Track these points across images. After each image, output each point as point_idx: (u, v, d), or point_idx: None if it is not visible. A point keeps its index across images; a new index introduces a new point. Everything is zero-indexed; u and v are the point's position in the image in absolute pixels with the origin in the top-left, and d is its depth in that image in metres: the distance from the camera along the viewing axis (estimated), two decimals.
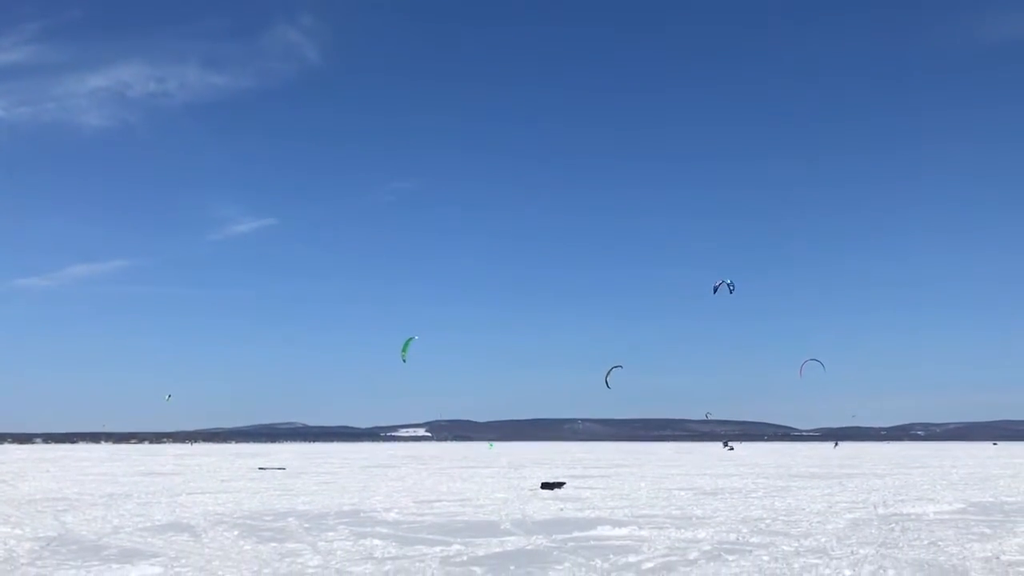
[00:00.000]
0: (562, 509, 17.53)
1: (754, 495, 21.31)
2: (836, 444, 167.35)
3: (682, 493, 22.12)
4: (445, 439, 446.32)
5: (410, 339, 35.28)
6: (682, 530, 13.63)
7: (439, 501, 19.66)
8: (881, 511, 16.78)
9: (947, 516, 15.77)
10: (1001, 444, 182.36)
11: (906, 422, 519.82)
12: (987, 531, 13.31)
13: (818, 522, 14.80)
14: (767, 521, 15.11)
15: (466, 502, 19.36)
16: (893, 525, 14.27)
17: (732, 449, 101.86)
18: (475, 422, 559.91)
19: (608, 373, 46.86)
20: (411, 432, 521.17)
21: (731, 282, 35.32)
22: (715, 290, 35.02)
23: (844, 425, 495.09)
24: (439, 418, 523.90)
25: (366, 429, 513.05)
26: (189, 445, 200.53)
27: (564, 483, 24.86)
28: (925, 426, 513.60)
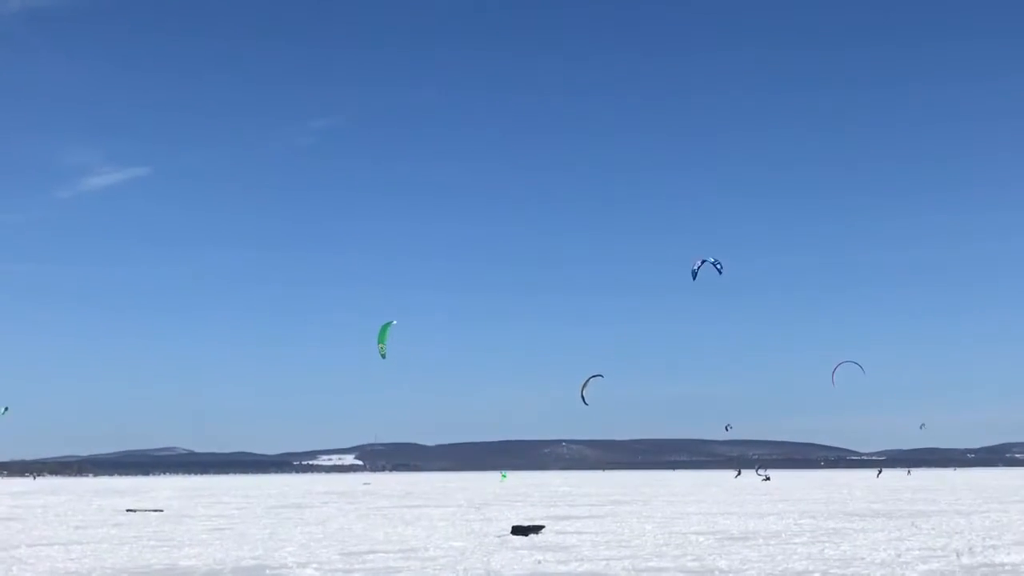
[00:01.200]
0: (540, 562, 17.64)
1: (797, 541, 21.61)
2: (908, 471, 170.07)
3: (701, 539, 22.37)
4: (382, 469, 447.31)
5: (387, 325, 35.43)
6: None
7: (373, 553, 19.70)
8: (966, 561, 17.09)
9: None
10: None
11: (1000, 442, 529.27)
12: None
13: None
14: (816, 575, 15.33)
15: (410, 554, 19.42)
16: None
17: (767, 479, 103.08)
18: (423, 446, 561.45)
19: (584, 385, 47.34)
20: (336, 460, 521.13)
21: (716, 260, 35.72)
22: (695, 275, 35.48)
23: (917, 446, 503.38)
24: (374, 441, 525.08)
25: (274, 457, 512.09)
26: (31, 479, 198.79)
27: (543, 527, 25.00)
28: None
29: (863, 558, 17.68)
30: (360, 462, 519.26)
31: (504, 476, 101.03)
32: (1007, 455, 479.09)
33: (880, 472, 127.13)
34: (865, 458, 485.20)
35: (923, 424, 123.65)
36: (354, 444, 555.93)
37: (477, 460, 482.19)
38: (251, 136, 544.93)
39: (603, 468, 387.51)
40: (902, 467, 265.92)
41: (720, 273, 35.93)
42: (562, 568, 16.79)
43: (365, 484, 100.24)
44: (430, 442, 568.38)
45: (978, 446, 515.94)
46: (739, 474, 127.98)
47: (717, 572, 15.94)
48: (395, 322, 35.70)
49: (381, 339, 35.30)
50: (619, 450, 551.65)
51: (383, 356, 35.12)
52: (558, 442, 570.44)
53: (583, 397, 47.53)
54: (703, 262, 35.79)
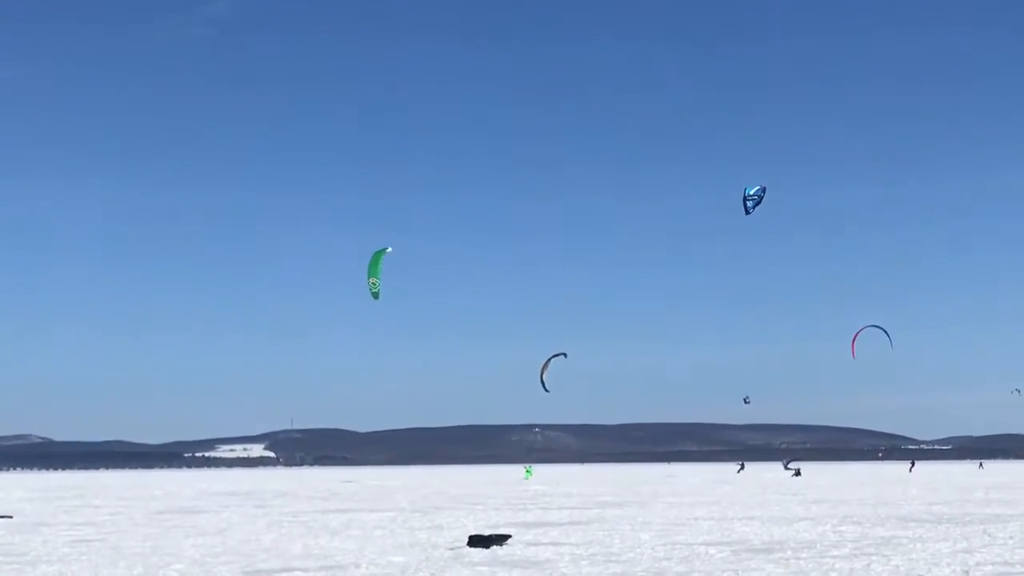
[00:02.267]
0: None
1: (836, 553, 21.81)
2: (980, 464, 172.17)
3: (712, 551, 22.55)
4: (300, 463, 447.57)
5: (379, 253, 34.78)
6: None
7: (288, 572, 19.70)
8: None
9: None
10: None
11: None
12: None
13: None
14: None
15: (336, 573, 19.44)
16: None
17: (798, 474, 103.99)
18: (353, 433, 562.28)
19: (544, 367, 47.49)
20: (239, 451, 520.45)
21: (759, 191, 35.80)
22: (748, 209, 35.54)
23: (992, 432, 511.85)
24: (289, 427, 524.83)
25: (159, 447, 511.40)
26: None
27: (509, 536, 25.04)
28: None
29: (921, 575, 17.87)
30: (271, 453, 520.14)
31: (529, 472, 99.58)
32: None
33: (913, 466, 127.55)
34: (925, 447, 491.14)
35: (1018, 389, 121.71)
36: (264, 431, 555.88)
37: (423, 451, 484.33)
38: (118, 26, 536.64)
39: (587, 460, 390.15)
40: (972, 459, 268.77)
41: (753, 206, 35.85)
42: None
43: (346, 482, 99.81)
44: (363, 428, 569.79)
45: None
46: (742, 468, 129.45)
47: None
48: (390, 249, 34.93)
49: (373, 271, 34.43)
50: (607, 437, 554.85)
51: (375, 295, 34.54)
52: (529, 427, 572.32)
53: (543, 382, 47.76)
54: (757, 193, 35.67)
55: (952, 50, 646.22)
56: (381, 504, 48.48)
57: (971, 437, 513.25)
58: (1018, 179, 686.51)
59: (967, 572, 18.17)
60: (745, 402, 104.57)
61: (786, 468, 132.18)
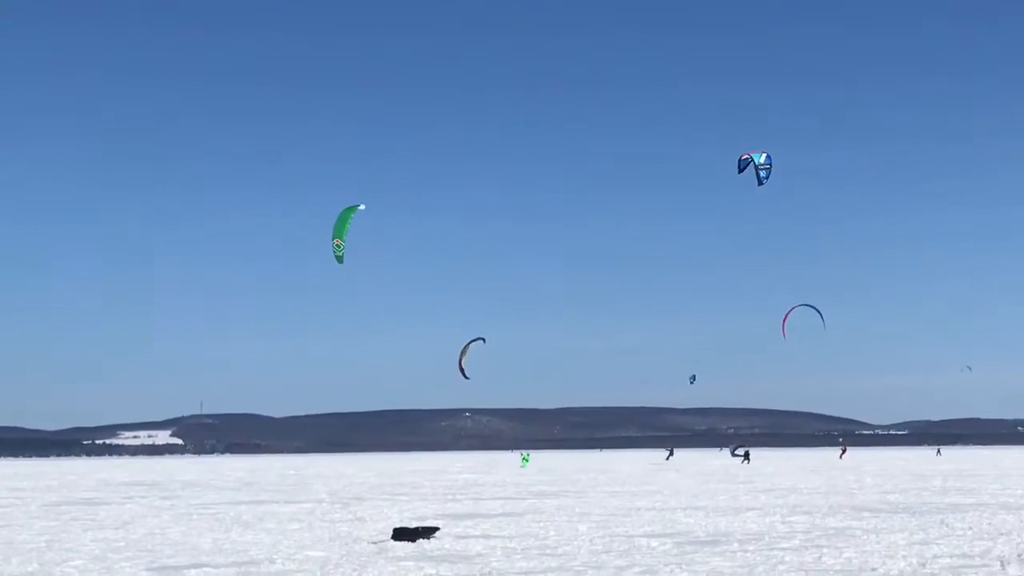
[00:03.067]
0: None
1: (785, 545, 22.02)
2: (938, 451, 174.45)
3: (654, 543, 22.69)
4: (210, 451, 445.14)
5: (349, 211, 33.91)
6: None
7: (197, 568, 19.61)
8: (1014, 572, 17.57)
9: None
10: None
11: None
12: None
13: None
14: None
15: (249, 569, 19.40)
16: None
17: (747, 458, 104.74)
18: (269, 419, 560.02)
19: (463, 352, 47.62)
20: (143, 438, 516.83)
21: (765, 162, 35.96)
22: (762, 180, 35.74)
23: (951, 416, 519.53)
24: (198, 412, 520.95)
25: (56, 434, 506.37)
26: None
27: (437, 528, 25.03)
28: None
29: (874, 568, 18.07)
30: (178, 440, 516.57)
31: (526, 459, 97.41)
32: None
33: (844, 452, 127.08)
34: (880, 432, 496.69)
35: (969, 367, 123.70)
36: (170, 416, 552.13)
37: (344, 438, 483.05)
38: None
39: (525, 446, 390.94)
40: (930, 445, 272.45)
41: (761, 182, 36.03)
42: None
43: (260, 471, 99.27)
44: (278, 413, 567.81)
45: None
46: (671, 455, 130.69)
47: None
48: (362, 207, 34.13)
49: (338, 231, 33.68)
50: (543, 423, 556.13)
51: (339, 258, 33.90)
52: (460, 412, 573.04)
53: (462, 369, 47.89)
54: (760, 161, 35.75)
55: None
56: (298, 495, 48.34)
57: (928, 422, 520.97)
58: (971, 154, 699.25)
59: (924, 565, 18.41)
60: (691, 382, 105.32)
61: (733, 454, 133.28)
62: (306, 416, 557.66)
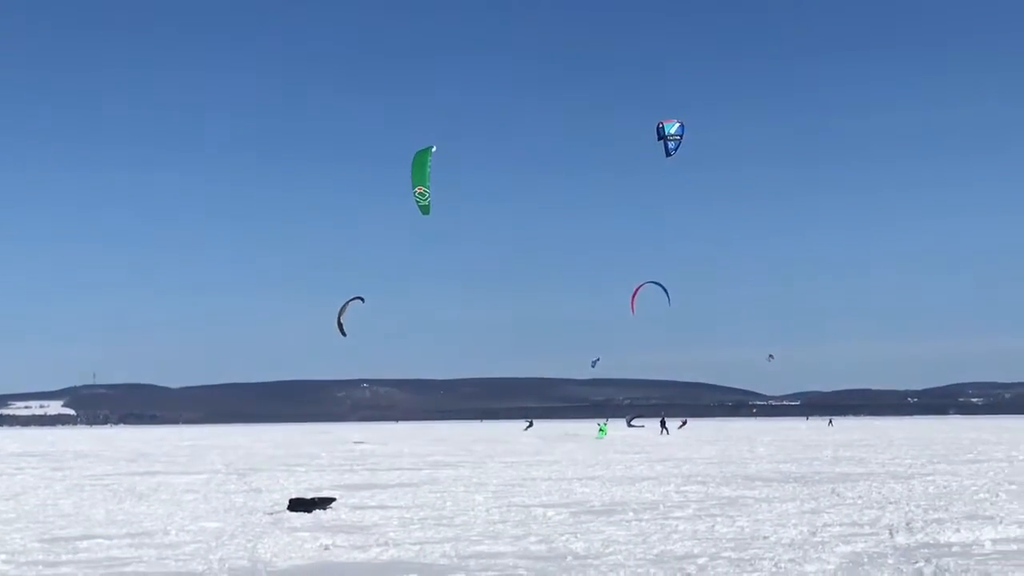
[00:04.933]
0: (327, 548, 17.78)
1: (679, 514, 22.28)
2: (830, 421, 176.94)
3: (550, 513, 22.85)
4: (104, 421, 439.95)
5: (425, 153, 31.08)
6: None
7: (89, 539, 19.41)
8: (901, 540, 17.94)
9: (1015, 547, 17.07)
10: None
11: (950, 382, 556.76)
12: None
13: (790, 561, 15.65)
14: (701, 561, 15.83)
15: (143, 540, 19.25)
16: (921, 564, 15.29)
17: (639, 427, 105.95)
18: (163, 389, 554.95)
19: (342, 311, 47.71)
20: (35, 409, 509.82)
21: (676, 132, 35.74)
22: (670, 151, 35.44)
23: (843, 387, 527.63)
24: (92, 383, 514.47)
25: None
26: None
27: (333, 499, 25.05)
28: (984, 389, 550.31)
29: (766, 537, 18.35)
30: (71, 411, 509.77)
31: (603, 429, 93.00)
32: (959, 399, 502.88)
33: (684, 424, 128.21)
34: (774, 403, 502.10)
35: (771, 355, 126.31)
36: (63, 386, 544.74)
37: (240, 409, 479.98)
38: None
39: (423, 418, 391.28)
40: (822, 415, 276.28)
41: (669, 153, 35.73)
42: (358, 555, 16.89)
43: (156, 442, 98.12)
44: (174, 383, 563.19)
45: (922, 388, 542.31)
46: (530, 425, 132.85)
47: (570, 557, 16.30)
48: (435, 148, 31.55)
49: (420, 178, 31.00)
50: (441, 393, 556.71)
51: (425, 208, 31.29)
52: (357, 383, 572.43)
53: (340, 326, 47.92)
54: (673, 133, 35.40)
55: None
56: (193, 466, 47.99)
57: (821, 393, 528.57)
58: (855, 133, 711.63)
59: (814, 533, 18.72)
60: (592, 366, 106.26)
61: (630, 425, 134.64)
62: (202, 387, 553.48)
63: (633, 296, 53.57)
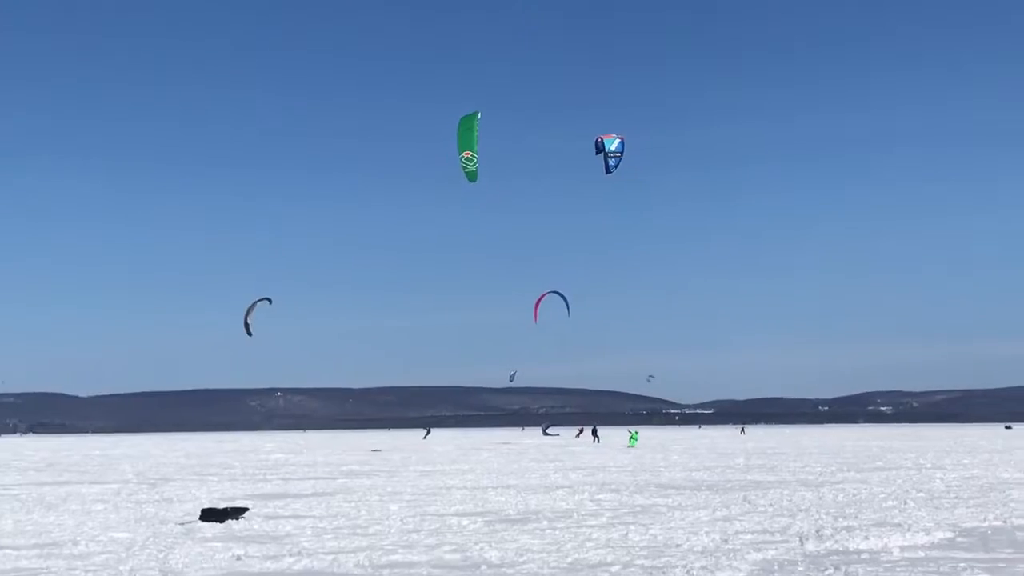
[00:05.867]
0: (239, 558, 17.71)
1: (593, 523, 22.38)
2: (742, 429, 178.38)
3: (465, 522, 22.87)
4: (12, 430, 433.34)
5: (472, 118, 29.66)
6: None
7: None
8: (811, 547, 18.16)
9: (922, 554, 17.35)
10: (1019, 427, 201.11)
11: (861, 391, 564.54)
12: None
13: (702, 568, 15.78)
14: (615, 568, 15.92)
15: (52, 551, 19.02)
16: (830, 572, 15.50)
17: (555, 435, 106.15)
18: (75, 398, 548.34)
19: (249, 310, 47.65)
20: None
21: (616, 149, 35.59)
22: (610, 168, 35.33)
23: (755, 396, 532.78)
24: (0, 391, 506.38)
25: None
26: None
27: (246, 509, 24.90)
28: (893, 398, 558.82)
29: (679, 545, 18.50)
30: None
31: (634, 438, 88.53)
32: (869, 408, 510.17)
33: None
34: (687, 411, 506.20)
35: (651, 376, 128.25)
36: None
37: (152, 417, 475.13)
38: None
39: (338, 427, 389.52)
40: (735, 423, 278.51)
41: (610, 170, 35.54)
42: (270, 565, 16.81)
43: (65, 451, 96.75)
44: (84, 392, 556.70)
45: (832, 396, 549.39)
46: (428, 434, 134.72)
47: (484, 566, 16.34)
48: (480, 114, 30.40)
49: (468, 143, 29.38)
50: (357, 402, 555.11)
51: (471, 174, 29.88)
52: (271, 392, 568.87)
53: (247, 326, 47.79)
54: (614, 148, 35.12)
55: None
56: (104, 475, 47.48)
57: (734, 401, 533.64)
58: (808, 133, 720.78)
59: (726, 540, 18.89)
60: (510, 380, 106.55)
61: (546, 433, 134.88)
62: (113, 395, 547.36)
63: (536, 305, 53.92)
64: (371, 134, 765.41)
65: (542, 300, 53.80)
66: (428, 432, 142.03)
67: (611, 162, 34.94)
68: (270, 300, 48.38)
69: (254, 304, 47.80)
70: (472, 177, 30.09)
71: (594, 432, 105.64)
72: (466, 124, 29.92)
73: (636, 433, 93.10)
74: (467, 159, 29.83)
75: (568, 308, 53.88)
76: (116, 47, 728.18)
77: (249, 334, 47.91)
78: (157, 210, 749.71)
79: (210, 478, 43.25)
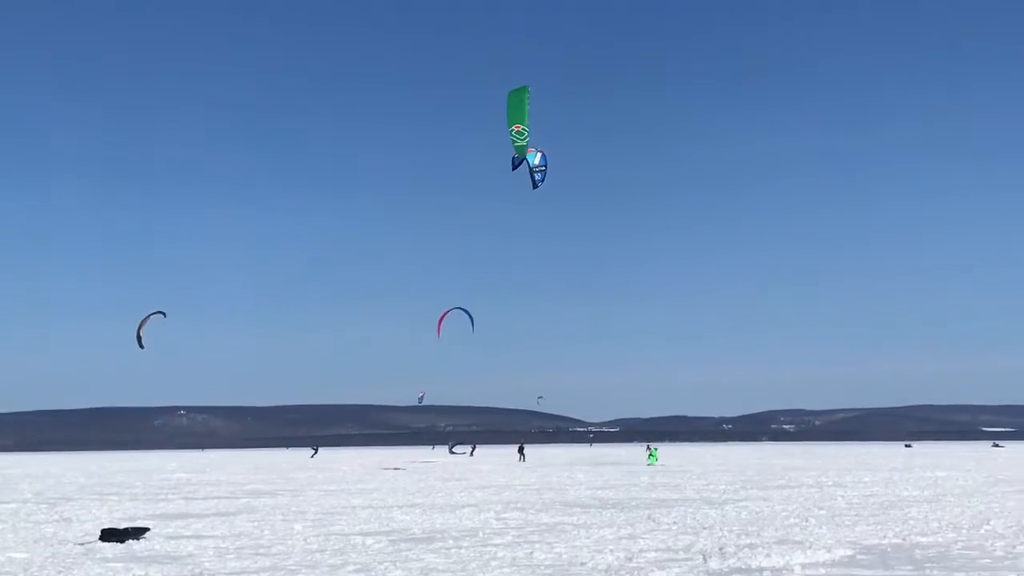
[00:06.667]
0: None
1: (498, 541, 22.40)
2: (647, 447, 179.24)
3: (369, 541, 22.78)
4: None
5: (523, 91, 28.38)
6: None
7: None
8: (714, 565, 18.30)
9: (823, 571, 17.54)
10: (918, 444, 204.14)
11: (764, 409, 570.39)
12: None
13: None
14: None
15: None
16: None
17: (461, 453, 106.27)
18: None
19: (142, 324, 47.47)
20: None
21: (540, 163, 35.41)
22: (536, 183, 35.19)
23: (660, 414, 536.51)
24: None
25: None
26: None
27: (147, 529, 24.69)
28: (796, 416, 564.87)
29: (583, 563, 18.56)
30: None
31: (654, 456, 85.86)
32: (772, 426, 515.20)
33: (473, 450, 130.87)
34: (593, 429, 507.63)
35: (541, 397, 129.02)
36: None
37: (52, 436, 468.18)
38: None
39: (243, 446, 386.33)
40: (640, 441, 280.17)
41: (536, 184, 35.41)
42: None
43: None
44: None
45: (737, 415, 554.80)
46: (316, 452, 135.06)
47: None
48: (530, 89, 29.34)
49: (519, 116, 28.84)
50: (262, 421, 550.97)
51: (521, 149, 28.71)
52: (174, 410, 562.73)
53: (139, 339, 47.56)
54: (535, 161, 34.90)
55: None
56: (2, 495, 46.74)
57: (639, 419, 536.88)
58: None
59: (630, 559, 18.99)
60: (419, 401, 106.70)
61: (452, 452, 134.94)
62: (11, 413, 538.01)
63: (440, 321, 54.23)
64: (270, 146, 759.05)
65: (446, 316, 54.05)
66: (315, 451, 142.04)
67: (537, 176, 35.01)
68: (164, 313, 48.15)
69: (147, 317, 47.53)
70: (522, 152, 29.73)
71: (520, 450, 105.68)
72: (516, 98, 29.22)
73: (655, 451, 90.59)
74: (517, 133, 29.33)
75: (472, 324, 54.11)
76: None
77: (141, 347, 47.61)
78: (58, 223, 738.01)
79: (111, 498, 42.74)
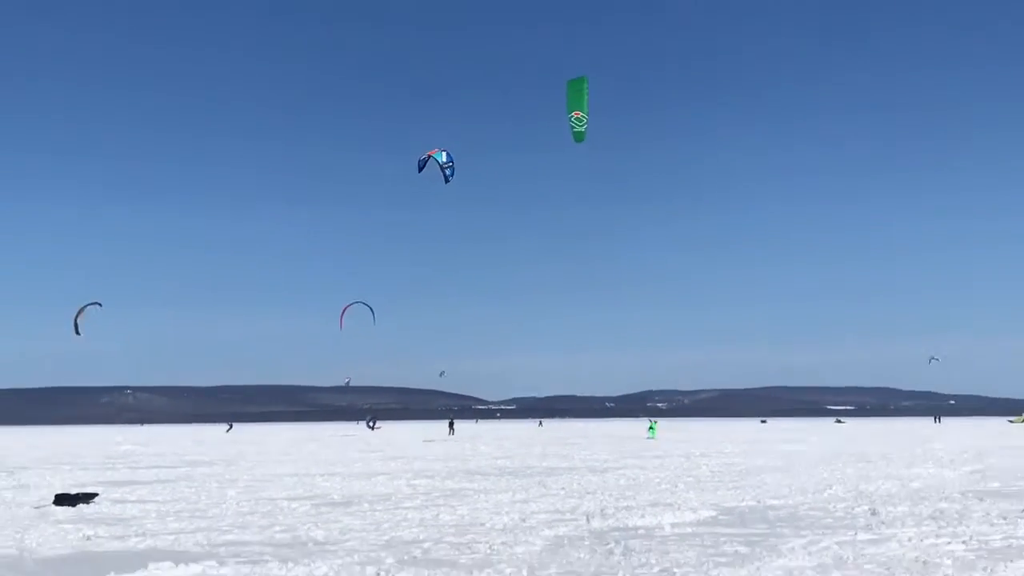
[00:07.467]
0: (89, 538, 17.29)
1: (408, 505, 22.39)
2: (540, 423, 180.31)
3: (294, 505, 22.69)
4: None
5: (583, 81, 27.31)
6: (289, 565, 13.98)
7: None
8: (596, 524, 18.42)
9: (690, 530, 17.69)
10: (772, 421, 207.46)
11: (640, 389, 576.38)
12: (743, 550, 15.17)
13: (503, 544, 15.89)
14: (426, 545, 15.95)
15: None
16: (611, 545, 15.73)
17: (376, 427, 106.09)
18: None
19: (79, 313, 47.09)
20: None
21: (447, 160, 35.39)
22: (448, 178, 35.12)
23: (552, 394, 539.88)
24: None
25: None
26: None
27: (96, 494, 24.39)
28: (667, 396, 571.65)
29: (483, 523, 18.61)
30: None
31: (653, 429, 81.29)
32: (648, 404, 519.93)
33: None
34: (493, 407, 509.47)
35: (443, 372, 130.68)
36: None
37: (5, 413, 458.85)
38: None
39: (183, 421, 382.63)
40: (534, 418, 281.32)
41: (447, 180, 35.33)
42: (117, 544, 16.46)
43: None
44: None
45: (617, 394, 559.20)
46: (231, 428, 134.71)
47: (311, 544, 16.23)
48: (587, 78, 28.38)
49: (578, 103, 26.57)
50: (200, 399, 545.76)
51: (580, 135, 27.70)
52: (121, 389, 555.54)
53: (76, 326, 47.07)
54: (439, 160, 34.79)
55: None
56: None
57: (535, 398, 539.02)
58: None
59: (524, 519, 19.07)
60: (347, 383, 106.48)
61: (369, 426, 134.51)
62: None
63: (342, 314, 53.91)
64: (223, 133, 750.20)
65: (348, 309, 53.75)
66: (230, 427, 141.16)
67: (448, 171, 35.09)
68: (100, 304, 47.68)
69: (84, 308, 46.96)
70: (579, 137, 28.16)
71: (451, 425, 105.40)
72: (576, 86, 28.04)
73: (655, 424, 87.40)
74: (576, 119, 27.98)
75: (373, 317, 53.85)
76: None
77: (78, 333, 47.04)
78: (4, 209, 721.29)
79: (63, 467, 42.15)
